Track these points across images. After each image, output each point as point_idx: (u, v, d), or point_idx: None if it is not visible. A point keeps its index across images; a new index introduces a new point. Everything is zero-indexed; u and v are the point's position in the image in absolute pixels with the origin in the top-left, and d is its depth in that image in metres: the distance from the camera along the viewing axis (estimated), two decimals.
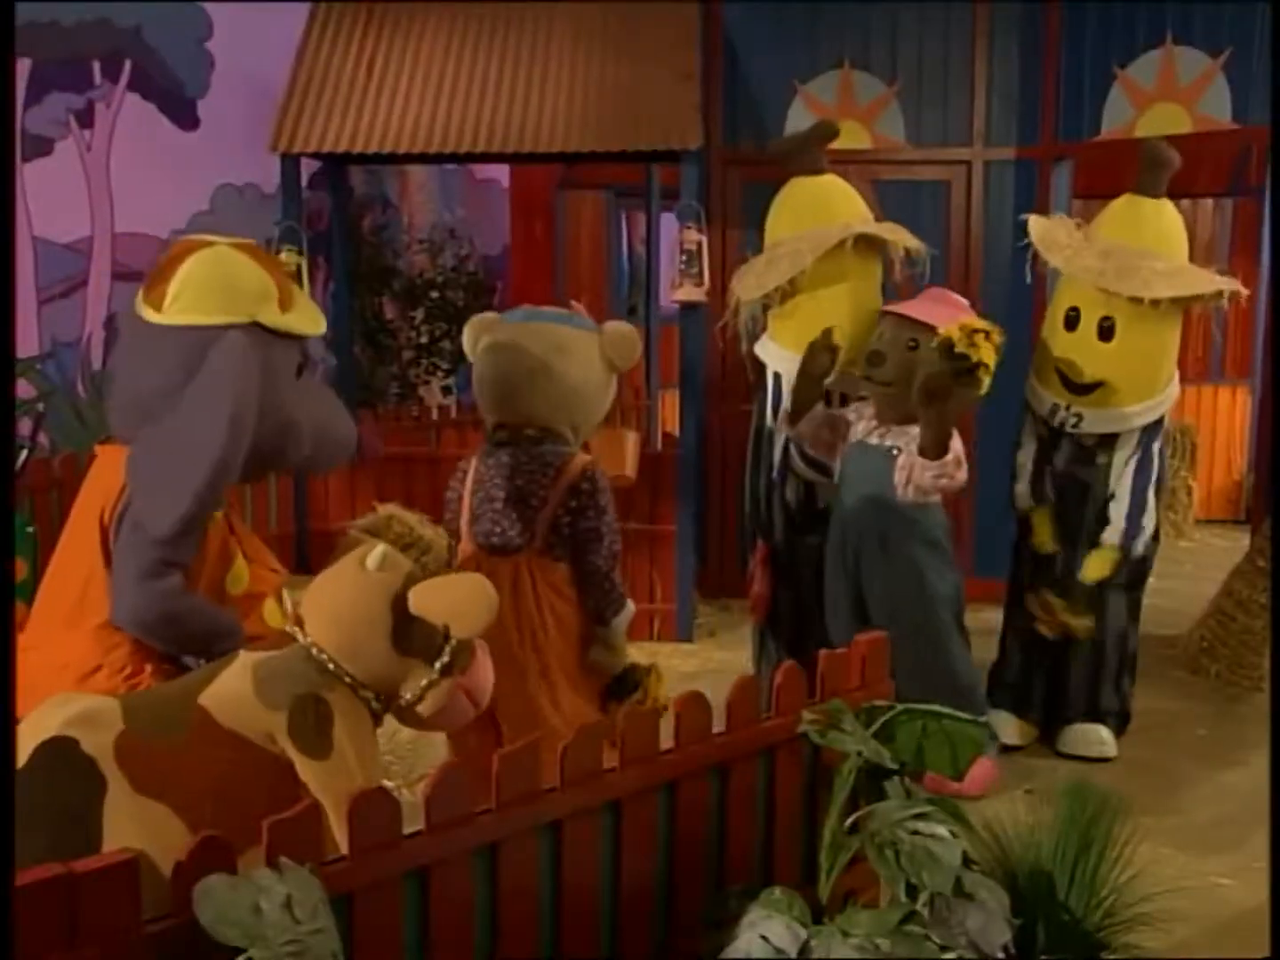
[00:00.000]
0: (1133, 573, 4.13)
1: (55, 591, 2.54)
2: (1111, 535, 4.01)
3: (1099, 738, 4.11)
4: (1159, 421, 4.05)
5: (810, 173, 4.12)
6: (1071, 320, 3.96)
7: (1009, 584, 4.34)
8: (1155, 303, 3.76)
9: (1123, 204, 3.97)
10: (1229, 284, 3.81)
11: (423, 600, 2.26)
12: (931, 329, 3.58)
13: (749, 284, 4.12)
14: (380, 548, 2.28)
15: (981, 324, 3.31)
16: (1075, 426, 3.99)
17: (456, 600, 2.28)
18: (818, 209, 4.11)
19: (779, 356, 4.14)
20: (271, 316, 2.52)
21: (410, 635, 2.26)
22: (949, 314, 3.60)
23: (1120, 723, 4.19)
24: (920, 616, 3.65)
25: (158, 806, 2.03)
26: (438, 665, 2.28)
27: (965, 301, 3.78)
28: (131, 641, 2.46)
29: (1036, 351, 4.16)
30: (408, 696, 2.29)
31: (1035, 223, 4.09)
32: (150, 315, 2.48)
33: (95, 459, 2.66)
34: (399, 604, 2.26)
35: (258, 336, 2.47)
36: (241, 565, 2.58)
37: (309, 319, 2.62)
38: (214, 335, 2.41)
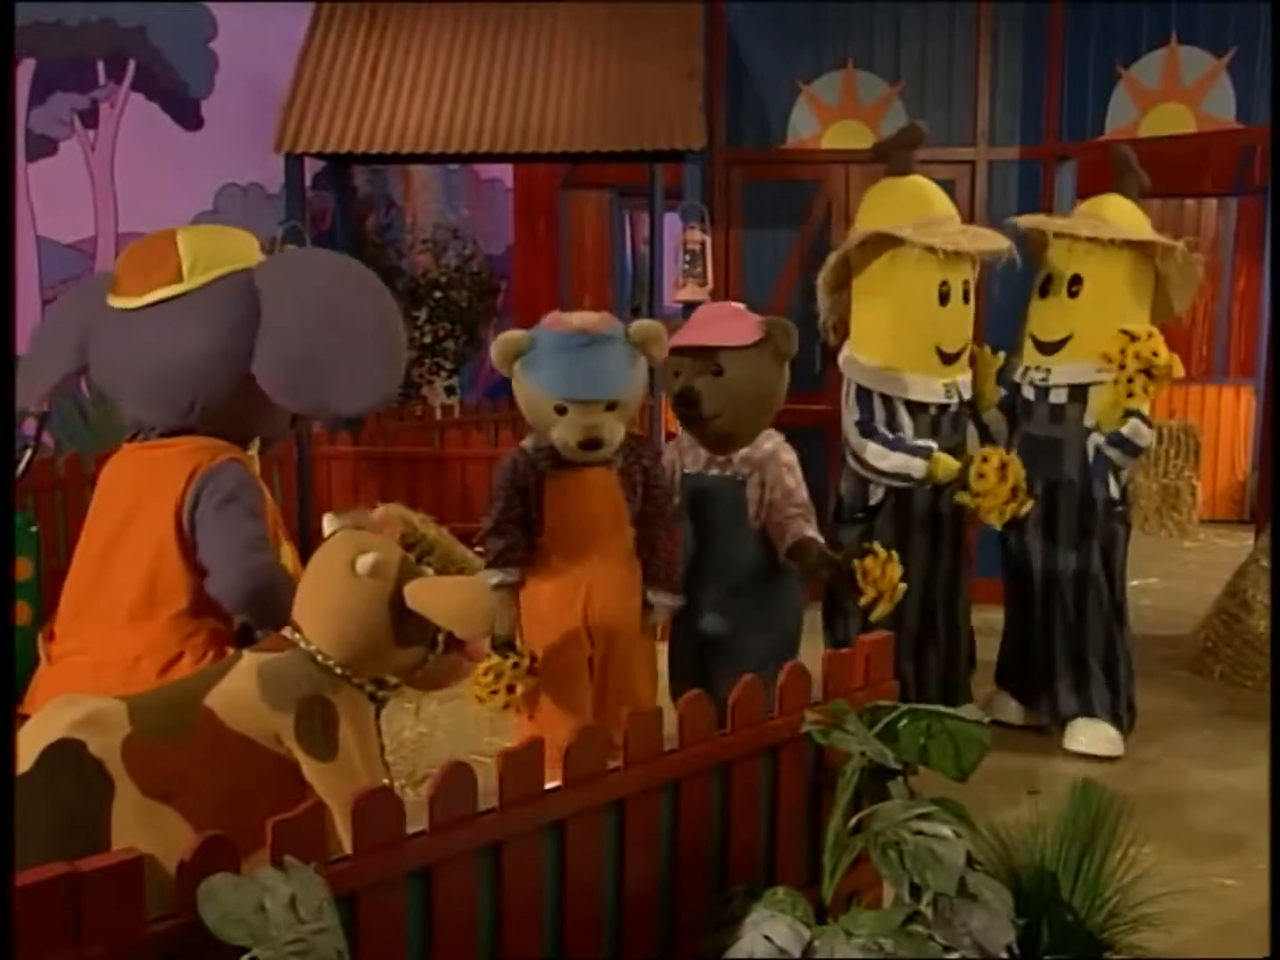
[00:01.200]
0: (1110, 545, 4.13)
1: (103, 591, 2.53)
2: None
3: (1105, 735, 4.11)
4: None
5: (895, 174, 4.17)
6: (1045, 288, 4.19)
7: (1004, 573, 4.37)
8: (1112, 242, 4.01)
9: (1099, 198, 4.25)
10: (1173, 241, 4.05)
11: (421, 600, 2.25)
12: (731, 349, 3.45)
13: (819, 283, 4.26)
14: (371, 556, 2.25)
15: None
16: (1044, 381, 4.14)
17: (457, 606, 2.28)
18: (883, 208, 4.13)
19: (846, 361, 4.17)
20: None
21: (410, 627, 2.27)
22: (738, 328, 3.49)
23: (1117, 721, 4.17)
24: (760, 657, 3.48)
25: (165, 809, 2.03)
26: (439, 641, 2.30)
27: (743, 306, 3.68)
28: (209, 627, 2.48)
29: (1017, 334, 4.31)
30: (416, 676, 2.33)
31: (1022, 220, 4.33)
32: (169, 290, 2.53)
33: (120, 458, 2.66)
34: (395, 602, 2.25)
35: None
36: (288, 548, 2.62)
37: None
38: (246, 276, 2.55)
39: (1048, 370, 4.14)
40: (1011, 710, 4.34)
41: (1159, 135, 5.38)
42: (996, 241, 4.05)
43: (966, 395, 4.13)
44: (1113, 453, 4.00)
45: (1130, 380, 3.93)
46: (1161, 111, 5.38)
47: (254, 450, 2.73)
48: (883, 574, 3.40)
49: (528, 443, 3.35)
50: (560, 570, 3.26)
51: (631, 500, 3.33)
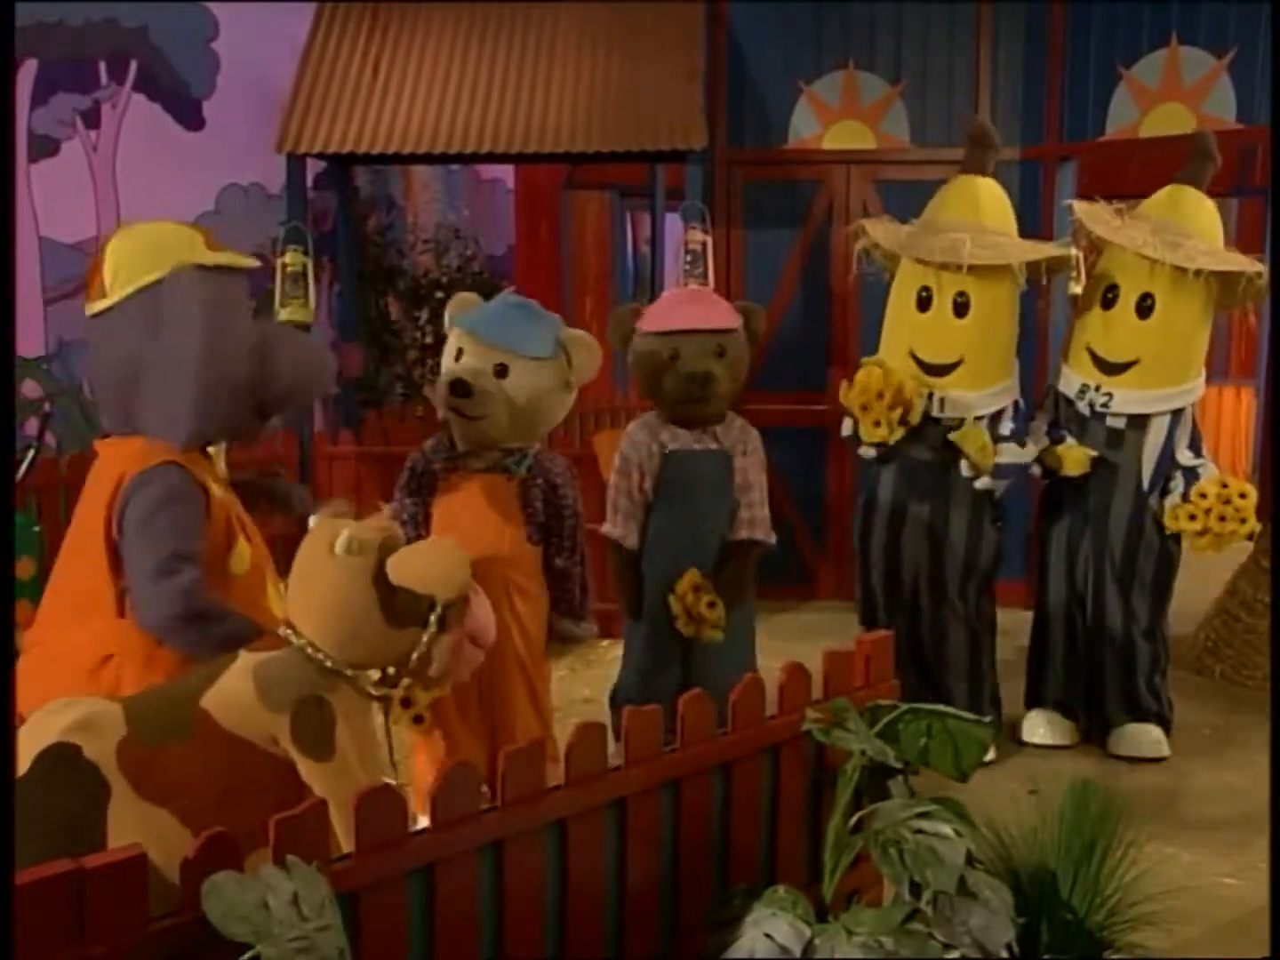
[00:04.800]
0: (1161, 568, 4.11)
1: (75, 590, 2.53)
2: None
3: (1151, 737, 4.10)
4: (1187, 409, 4.05)
5: (965, 172, 4.09)
6: (1109, 299, 3.96)
7: (1040, 578, 4.30)
8: (1198, 273, 3.79)
9: (1169, 191, 4.00)
10: (1260, 266, 3.87)
11: (401, 571, 2.25)
12: (730, 331, 3.49)
13: None
14: (345, 532, 2.24)
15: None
16: (1105, 406, 3.98)
17: (432, 567, 2.28)
18: (931, 207, 4.12)
19: None
20: (205, 256, 2.58)
21: (399, 606, 2.26)
22: (727, 310, 3.54)
23: (1163, 724, 4.17)
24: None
25: (161, 812, 2.02)
26: (433, 621, 2.29)
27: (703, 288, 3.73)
28: (140, 631, 2.46)
29: (1068, 334, 4.16)
30: (414, 659, 2.30)
31: (1079, 206, 4.07)
32: (97, 305, 2.53)
33: (97, 455, 2.67)
34: (380, 579, 2.25)
35: (201, 272, 2.54)
36: (244, 545, 2.59)
37: (241, 257, 2.70)
38: (157, 288, 2.50)
39: (1109, 395, 3.96)
40: (1052, 726, 4.21)
41: (1159, 135, 5.39)
42: (991, 255, 3.84)
43: (957, 413, 3.95)
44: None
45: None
46: (1162, 112, 5.38)
47: (218, 448, 2.72)
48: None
49: (429, 442, 3.31)
50: None
51: (531, 514, 3.23)
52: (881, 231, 4.07)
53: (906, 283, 4.04)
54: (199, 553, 2.47)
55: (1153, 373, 3.93)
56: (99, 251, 2.58)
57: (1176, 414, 4.00)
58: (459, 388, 3.10)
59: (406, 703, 2.95)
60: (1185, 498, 3.96)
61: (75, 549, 2.56)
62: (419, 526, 3.25)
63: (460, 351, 3.20)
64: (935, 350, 3.97)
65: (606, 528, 3.57)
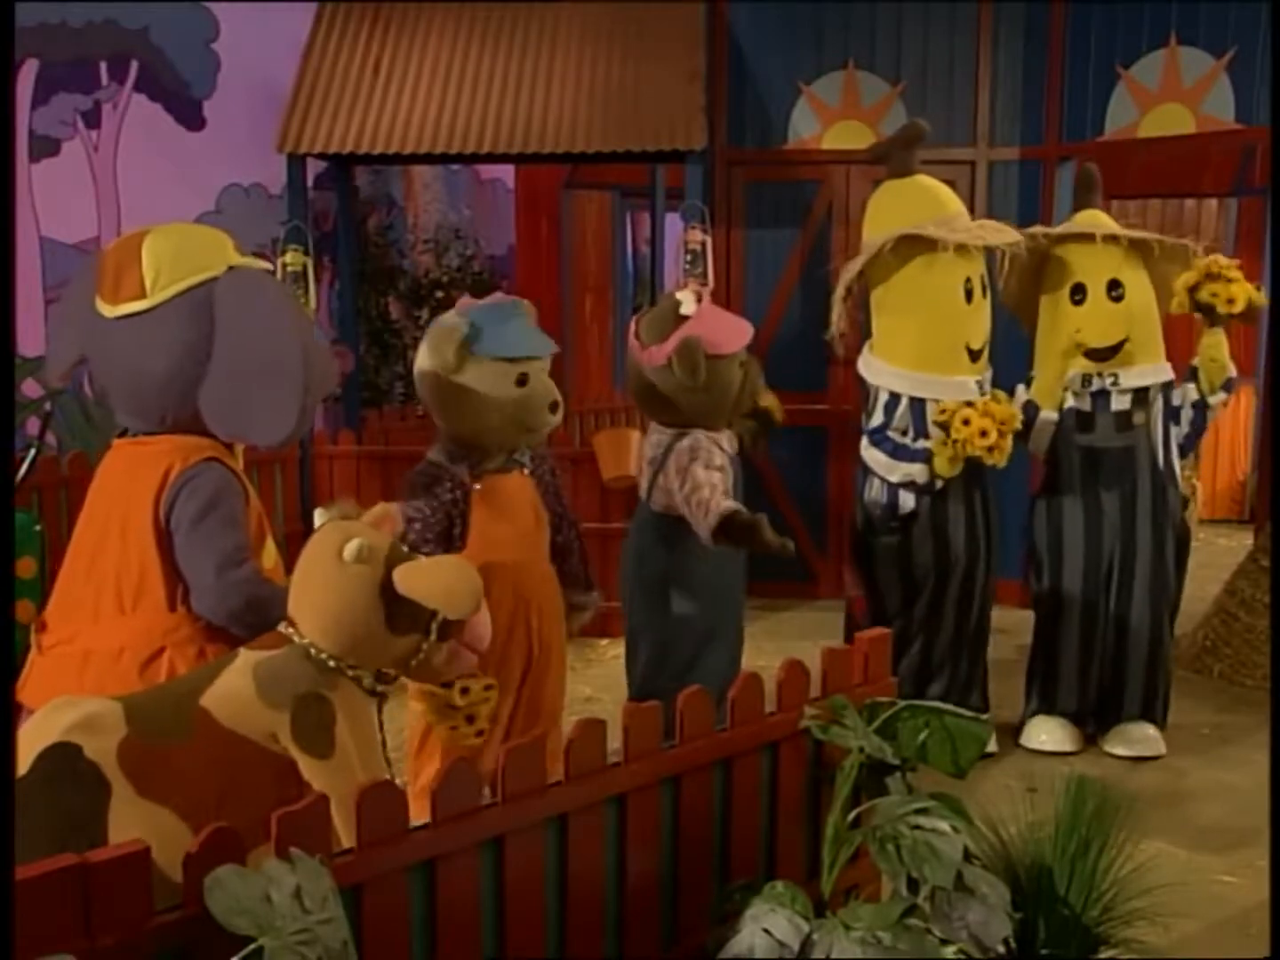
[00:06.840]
0: (1182, 547, 4.20)
1: (91, 583, 2.54)
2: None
3: (1149, 734, 4.12)
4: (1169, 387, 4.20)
5: (896, 175, 4.07)
6: (1078, 299, 4.08)
7: (1051, 579, 4.25)
8: (1145, 244, 4.06)
9: (1081, 214, 4.21)
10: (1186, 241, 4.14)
11: (410, 584, 2.25)
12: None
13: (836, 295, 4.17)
14: (356, 541, 2.25)
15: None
16: (1114, 385, 4.07)
17: (444, 585, 2.28)
18: (894, 211, 4.06)
19: (871, 368, 4.12)
20: (240, 260, 2.61)
21: (402, 614, 2.27)
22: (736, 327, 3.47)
23: (1159, 720, 4.20)
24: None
25: (162, 811, 2.03)
26: (434, 629, 2.30)
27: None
28: (194, 623, 2.49)
29: (1041, 345, 4.20)
30: (412, 665, 2.33)
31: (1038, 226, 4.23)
32: (135, 306, 2.50)
33: (112, 453, 2.67)
34: (386, 589, 2.26)
35: (267, 274, 2.62)
36: (271, 543, 2.63)
37: (258, 260, 2.75)
38: (206, 290, 2.50)
39: (1115, 375, 4.07)
40: (1057, 734, 4.18)
41: (1159, 135, 5.40)
42: (1011, 234, 4.00)
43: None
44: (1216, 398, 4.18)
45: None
46: (1161, 112, 5.40)
47: (240, 447, 2.74)
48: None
49: (437, 455, 3.20)
50: (495, 588, 2.86)
51: (548, 500, 3.29)
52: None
53: (947, 279, 3.93)
54: (251, 546, 2.54)
55: (1141, 348, 4.08)
56: (119, 252, 2.55)
57: (1167, 388, 4.16)
58: (558, 407, 3.16)
59: (470, 719, 2.94)
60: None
61: (105, 544, 2.54)
62: (453, 541, 3.13)
63: (524, 376, 3.10)
64: (980, 337, 4.04)
65: (722, 509, 3.09)
